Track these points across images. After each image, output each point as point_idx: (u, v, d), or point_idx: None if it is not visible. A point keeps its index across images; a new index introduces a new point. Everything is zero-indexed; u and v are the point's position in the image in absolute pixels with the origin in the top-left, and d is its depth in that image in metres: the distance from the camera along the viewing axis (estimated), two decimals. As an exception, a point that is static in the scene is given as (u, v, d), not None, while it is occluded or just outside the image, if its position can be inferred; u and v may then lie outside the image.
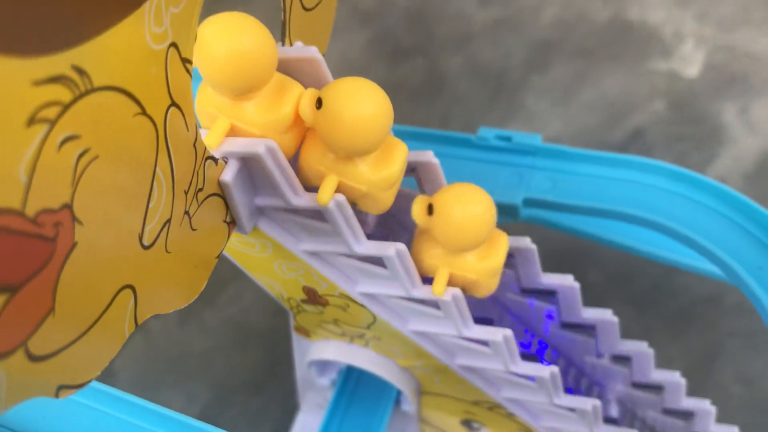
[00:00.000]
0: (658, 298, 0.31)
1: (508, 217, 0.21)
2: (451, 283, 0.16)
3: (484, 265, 0.16)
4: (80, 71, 0.09)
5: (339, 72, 0.40)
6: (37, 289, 0.09)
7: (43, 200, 0.09)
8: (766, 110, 0.36)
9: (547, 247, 0.32)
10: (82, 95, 0.09)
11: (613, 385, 0.22)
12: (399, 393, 0.21)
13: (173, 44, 0.11)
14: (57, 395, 0.10)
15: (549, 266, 0.32)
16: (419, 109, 0.37)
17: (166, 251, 0.12)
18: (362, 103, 0.13)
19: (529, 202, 0.20)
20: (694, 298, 0.31)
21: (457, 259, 0.16)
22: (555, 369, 0.17)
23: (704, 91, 0.37)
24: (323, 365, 0.22)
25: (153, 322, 0.31)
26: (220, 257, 0.15)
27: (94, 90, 0.09)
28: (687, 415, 0.22)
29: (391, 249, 0.15)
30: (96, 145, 0.10)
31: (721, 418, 0.27)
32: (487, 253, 0.16)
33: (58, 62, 0.08)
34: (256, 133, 0.14)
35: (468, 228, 0.15)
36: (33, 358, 0.10)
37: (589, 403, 0.18)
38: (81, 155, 0.09)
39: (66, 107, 0.09)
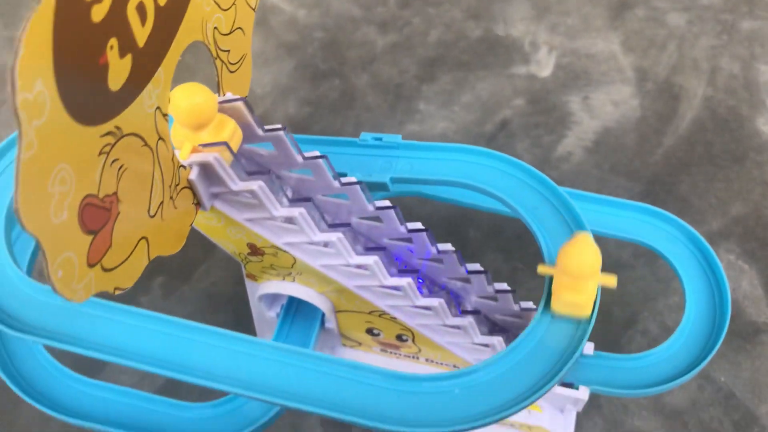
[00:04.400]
0: (521, 246, 0.42)
1: (383, 191, 0.31)
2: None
3: (214, 139, 0.24)
4: (117, 128, 0.19)
5: (272, 94, 0.51)
6: (104, 234, 0.19)
7: (105, 189, 0.19)
8: (602, 98, 0.47)
9: (438, 216, 0.43)
10: (119, 139, 0.19)
11: (470, 297, 0.32)
12: (323, 315, 0.31)
13: (158, 107, 0.21)
14: (114, 291, 0.20)
15: (439, 228, 0.43)
16: (337, 119, 0.47)
17: (162, 219, 0.22)
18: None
19: (395, 180, 0.30)
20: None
21: (196, 135, 0.24)
22: (409, 280, 0.27)
23: (555, 87, 0.48)
24: (270, 302, 0.32)
25: (142, 298, 0.41)
26: (193, 244, 0.24)
27: (124, 136, 0.19)
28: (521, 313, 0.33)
29: (295, 211, 0.25)
30: (126, 162, 0.19)
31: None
32: (216, 130, 0.24)
33: (109, 126, 0.18)
34: (208, 150, 0.24)
35: (194, 110, 0.23)
36: (104, 269, 0.19)
37: (436, 302, 0.28)
38: (120, 168, 0.19)
39: (112, 145, 0.19)
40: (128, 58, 0.18)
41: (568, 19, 0.51)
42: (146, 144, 0.20)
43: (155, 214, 0.22)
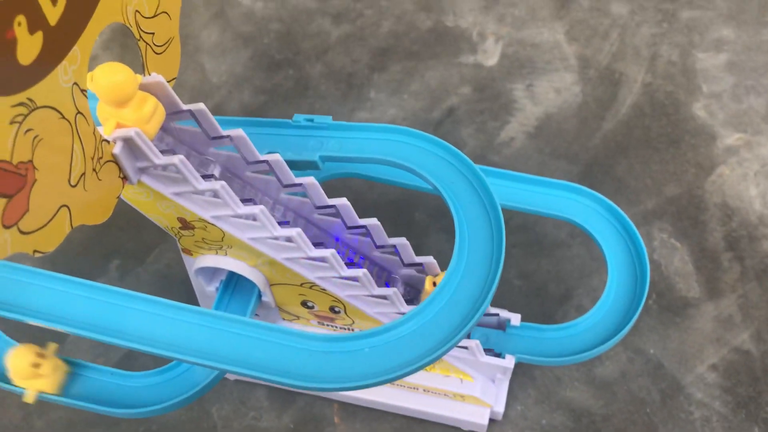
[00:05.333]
0: (462, 226, 0.44)
1: (313, 168, 0.32)
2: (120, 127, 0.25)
3: (138, 115, 0.25)
4: (30, 99, 0.20)
5: (228, 83, 0.53)
6: (20, 199, 0.21)
7: (19, 156, 0.20)
8: (546, 85, 0.49)
9: (386, 200, 0.45)
10: (32, 110, 0.20)
11: (397, 269, 0.34)
12: (259, 290, 0.33)
13: (75, 83, 0.22)
14: (33, 254, 0.22)
15: (387, 212, 0.44)
16: (291, 107, 0.49)
17: (84, 190, 0.24)
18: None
19: (324, 158, 0.32)
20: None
21: (120, 112, 0.25)
22: (333, 251, 0.29)
23: (500, 76, 0.50)
24: (209, 277, 0.33)
25: (100, 279, 0.42)
26: (148, 228, 0.26)
27: (37, 108, 0.21)
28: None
29: (217, 185, 0.27)
30: (41, 133, 0.21)
31: (507, 305, 0.39)
32: (139, 106, 0.25)
33: (20, 97, 0.20)
34: (130, 125, 0.25)
35: (117, 87, 0.24)
36: (21, 232, 0.21)
37: (361, 272, 0.30)
38: (34, 138, 0.21)
39: (25, 116, 0.20)
40: (39, 35, 0.20)
41: (515, 10, 0.52)
42: (63, 117, 0.22)
43: (77, 184, 0.23)
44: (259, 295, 0.33)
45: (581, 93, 0.48)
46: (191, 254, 0.32)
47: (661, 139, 0.47)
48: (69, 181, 0.23)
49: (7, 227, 0.20)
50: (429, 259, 0.33)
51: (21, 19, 0.19)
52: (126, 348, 0.26)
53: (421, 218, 0.44)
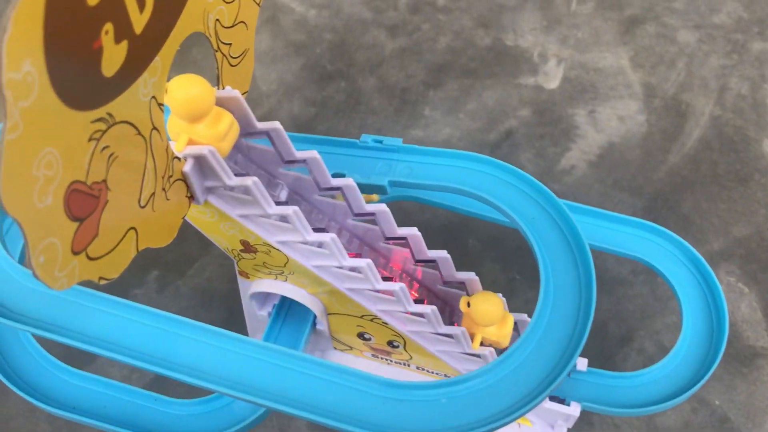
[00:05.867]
0: (519, 257, 0.42)
1: (381, 194, 0.30)
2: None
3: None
4: (109, 114, 0.18)
5: (278, 92, 0.51)
6: (91, 222, 0.19)
7: (94, 176, 0.18)
8: (609, 112, 0.47)
9: (437, 223, 0.43)
10: (110, 126, 0.19)
11: (455, 303, 0.32)
12: (315, 317, 0.31)
13: (153, 96, 0.21)
14: (99, 281, 0.20)
15: (437, 236, 0.42)
16: (341, 121, 0.47)
17: (153, 210, 0.22)
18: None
19: (393, 183, 0.30)
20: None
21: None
22: (402, 285, 0.27)
23: (561, 99, 0.47)
24: (262, 301, 0.31)
25: (137, 291, 0.41)
26: (190, 239, 0.24)
27: (116, 123, 0.19)
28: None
29: (289, 210, 0.25)
30: (117, 150, 0.19)
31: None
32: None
33: (101, 112, 0.18)
34: (203, 142, 0.23)
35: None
36: (89, 258, 0.19)
37: (429, 308, 0.28)
38: (110, 155, 0.19)
39: (103, 132, 0.18)
40: (124, 44, 0.18)
41: (578, 32, 0.50)
42: (139, 133, 0.20)
43: (146, 205, 0.21)
44: (314, 323, 0.31)
45: (646, 123, 0.46)
46: (248, 277, 0.30)
47: (730, 176, 0.44)
48: (139, 201, 0.21)
49: (75, 253, 0.18)
50: (470, 276, 0.31)
51: (109, 27, 0.17)
52: (179, 381, 0.24)
53: (475, 245, 0.42)
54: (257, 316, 0.32)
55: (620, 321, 0.40)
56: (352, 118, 0.47)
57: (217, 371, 0.24)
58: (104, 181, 0.19)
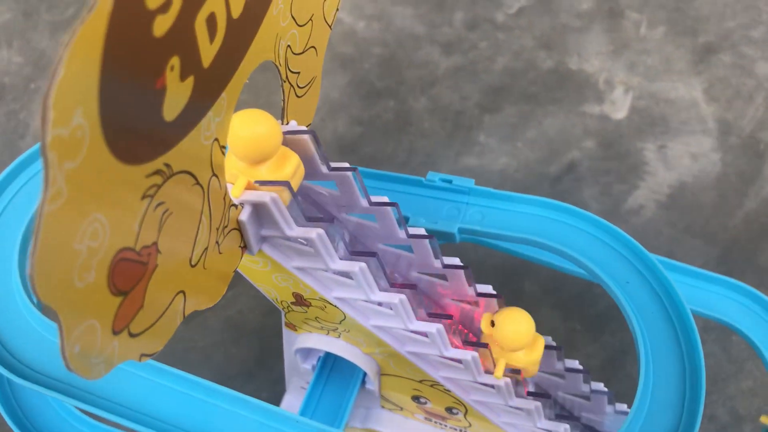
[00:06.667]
0: (581, 305, 0.38)
1: (448, 241, 0.27)
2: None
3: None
4: (167, 165, 0.15)
5: (321, 109, 0.47)
6: (136, 294, 0.15)
7: (144, 240, 0.15)
8: (680, 148, 0.43)
9: (491, 262, 0.39)
10: (167, 178, 0.15)
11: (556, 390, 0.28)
12: (364, 374, 0.28)
13: (216, 139, 0.17)
14: (140, 359, 0.16)
15: (493, 278, 0.38)
16: (389, 142, 0.44)
17: (204, 268, 0.19)
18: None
19: (462, 230, 0.27)
20: (609, 304, 0.38)
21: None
22: (475, 354, 0.24)
23: (629, 132, 0.44)
24: (306, 353, 0.28)
25: (163, 322, 0.37)
26: None
27: (173, 174, 0.16)
28: (584, 397, 0.29)
29: (355, 266, 0.21)
30: (172, 205, 0.16)
31: (630, 401, 0.33)
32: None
33: (157, 164, 0.15)
34: (265, 188, 0.20)
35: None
36: (131, 335, 0.16)
37: (502, 381, 0.24)
38: (164, 213, 0.16)
39: (159, 186, 0.15)
40: (189, 80, 0.15)
41: (648, 59, 0.46)
42: (198, 182, 0.17)
43: (197, 263, 0.18)
44: (363, 381, 0.28)
45: (720, 162, 0.43)
46: (296, 330, 0.26)
47: (813, 226, 0.40)
48: (190, 260, 0.18)
49: (116, 333, 0.15)
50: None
51: (175, 61, 0.14)
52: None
53: (532, 290, 0.39)
54: (299, 368, 0.29)
55: (691, 384, 0.36)
56: (401, 140, 0.44)
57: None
58: (155, 243, 0.16)
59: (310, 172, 0.22)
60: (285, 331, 0.27)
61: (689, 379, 0.23)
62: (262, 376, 0.36)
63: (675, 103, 0.45)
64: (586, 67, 0.46)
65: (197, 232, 0.18)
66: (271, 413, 0.21)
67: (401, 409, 0.30)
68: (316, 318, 0.25)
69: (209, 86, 0.16)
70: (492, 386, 0.25)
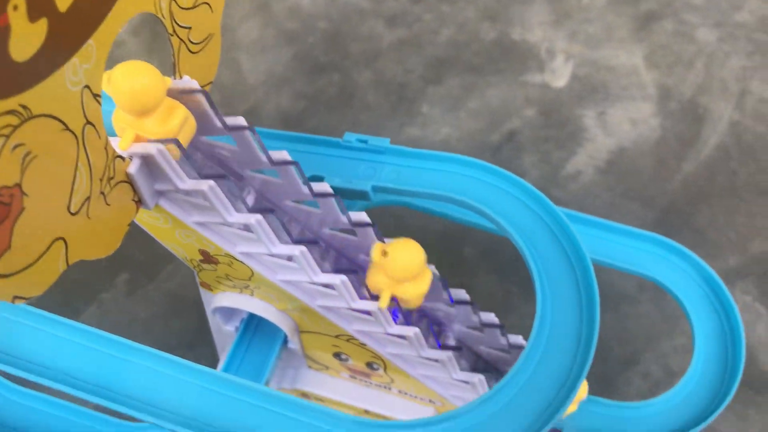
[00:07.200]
0: (517, 268, 0.39)
1: (362, 200, 0.27)
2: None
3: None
4: (24, 107, 0.16)
5: (266, 84, 0.48)
6: (1, 234, 0.16)
7: (3, 180, 0.15)
8: (620, 114, 0.44)
9: (431, 230, 0.39)
10: (25, 120, 0.16)
11: (453, 326, 0.29)
12: (286, 335, 0.28)
13: (86, 86, 0.18)
14: (13, 301, 0.17)
15: (432, 246, 0.39)
16: (333, 116, 0.44)
17: (88, 217, 0.19)
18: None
19: (376, 188, 0.27)
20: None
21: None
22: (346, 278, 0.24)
23: (570, 100, 0.44)
24: (228, 315, 0.29)
25: (105, 295, 0.38)
26: (156, 242, 0.21)
27: (33, 117, 0.16)
28: (504, 350, 0.29)
29: (251, 218, 0.22)
30: (35, 149, 0.16)
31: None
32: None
33: (10, 103, 0.15)
34: (153, 139, 0.20)
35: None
36: (1, 275, 0.16)
37: (411, 331, 0.25)
38: (26, 155, 0.16)
39: (15, 127, 0.15)
40: (42, 23, 0.15)
41: (590, 27, 0.47)
42: (67, 128, 0.17)
43: (78, 212, 0.18)
44: (285, 341, 0.28)
45: (660, 127, 0.43)
46: (211, 290, 0.27)
47: (749, 187, 0.41)
48: (68, 207, 0.18)
49: (-21, 270, 0.15)
50: (493, 326, 0.28)
51: (18, 1, 0.14)
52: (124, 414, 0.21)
53: (471, 255, 0.39)
54: (223, 330, 0.29)
55: (624, 341, 0.37)
56: (345, 113, 0.44)
57: (171, 406, 0.21)
58: (18, 185, 0.16)
59: (207, 127, 0.22)
60: (202, 291, 0.27)
61: (585, 319, 0.23)
62: (201, 346, 0.37)
63: (615, 70, 0.45)
64: (528, 38, 0.46)
65: (74, 179, 0.18)
66: (186, 368, 0.21)
67: (327, 368, 0.30)
68: (226, 275, 0.25)
69: (70, 31, 0.16)
70: (403, 337, 0.25)
